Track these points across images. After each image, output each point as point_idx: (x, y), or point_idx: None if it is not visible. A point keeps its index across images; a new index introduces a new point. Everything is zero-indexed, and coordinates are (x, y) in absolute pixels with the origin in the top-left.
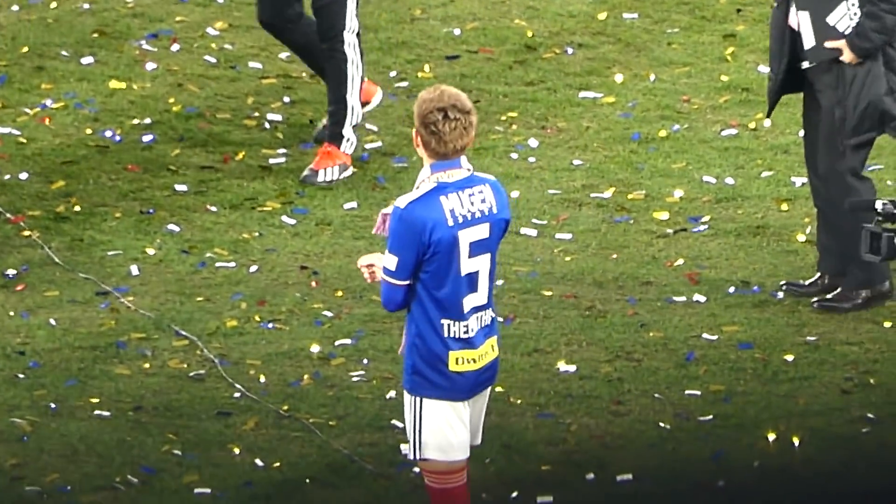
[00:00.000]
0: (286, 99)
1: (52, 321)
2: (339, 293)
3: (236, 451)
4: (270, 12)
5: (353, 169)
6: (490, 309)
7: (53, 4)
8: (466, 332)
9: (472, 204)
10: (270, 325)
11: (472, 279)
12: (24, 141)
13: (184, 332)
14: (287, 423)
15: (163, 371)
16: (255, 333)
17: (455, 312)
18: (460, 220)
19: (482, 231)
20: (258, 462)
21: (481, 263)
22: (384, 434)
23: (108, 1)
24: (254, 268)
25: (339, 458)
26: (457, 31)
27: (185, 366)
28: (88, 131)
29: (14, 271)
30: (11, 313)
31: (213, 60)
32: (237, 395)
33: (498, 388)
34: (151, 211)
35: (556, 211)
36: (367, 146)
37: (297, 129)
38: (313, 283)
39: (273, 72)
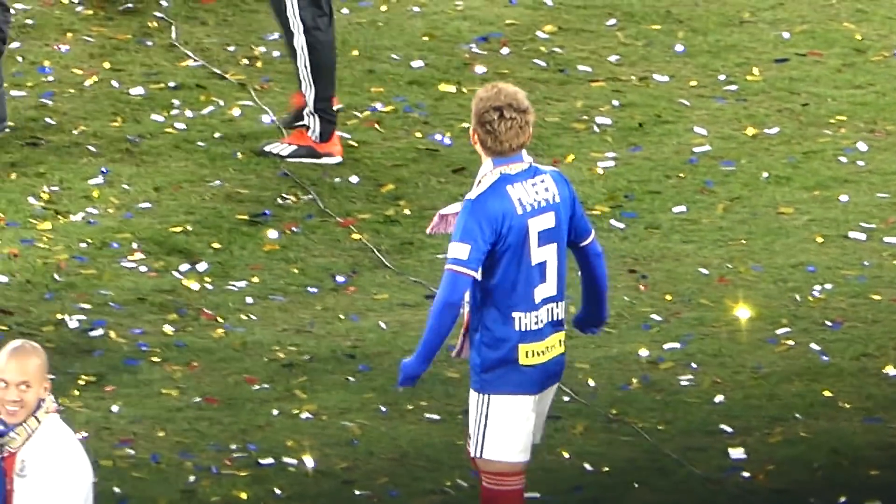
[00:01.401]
0: (615, 102)
1: (382, 324)
2: (668, 297)
3: (565, 455)
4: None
5: (328, 160)
6: (562, 302)
7: (384, 7)
8: (537, 324)
9: (536, 193)
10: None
11: (542, 269)
12: (355, 144)
13: None
14: (616, 427)
15: None
16: (583, 337)
17: (527, 304)
18: (528, 209)
19: (549, 220)
20: (587, 466)
21: (549, 253)
22: (713, 438)
23: (437, 4)
24: None
25: (668, 462)
26: (786, 35)
27: None
28: (418, 135)
29: (344, 275)
30: (342, 316)
31: (543, 64)
32: (566, 398)
33: (826, 393)
34: None
35: (884, 214)
36: (696, 150)
37: (626, 133)
38: (642, 287)
39: (602, 75)
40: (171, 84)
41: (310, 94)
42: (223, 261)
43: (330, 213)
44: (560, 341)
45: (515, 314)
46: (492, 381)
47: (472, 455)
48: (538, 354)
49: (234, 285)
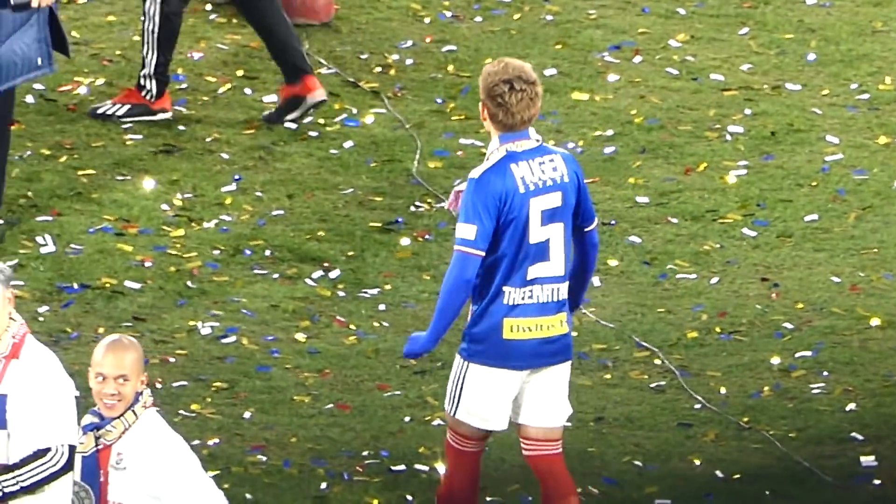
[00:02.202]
0: (747, 111)
1: None
2: (800, 305)
3: (697, 462)
4: None
5: (162, 115)
6: (565, 283)
7: (517, 16)
8: (525, 300)
9: (542, 172)
10: (731, 337)
11: (543, 248)
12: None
13: (645, 344)
14: (747, 434)
15: (624, 382)
16: (715, 345)
17: (518, 280)
18: (532, 187)
19: (554, 199)
20: (718, 473)
21: (553, 232)
22: (844, 446)
23: (570, 13)
24: (714, 279)
25: (800, 469)
26: None
27: (646, 377)
28: (551, 142)
29: None
30: None
31: (675, 72)
32: (697, 406)
33: None
34: (613, 222)
35: None
36: (828, 158)
37: (758, 142)
38: (774, 295)
39: (735, 84)
40: None
41: (151, 58)
42: (356, 268)
43: None
44: (561, 322)
45: (506, 288)
46: (476, 351)
47: (446, 411)
48: (525, 330)
49: (366, 292)
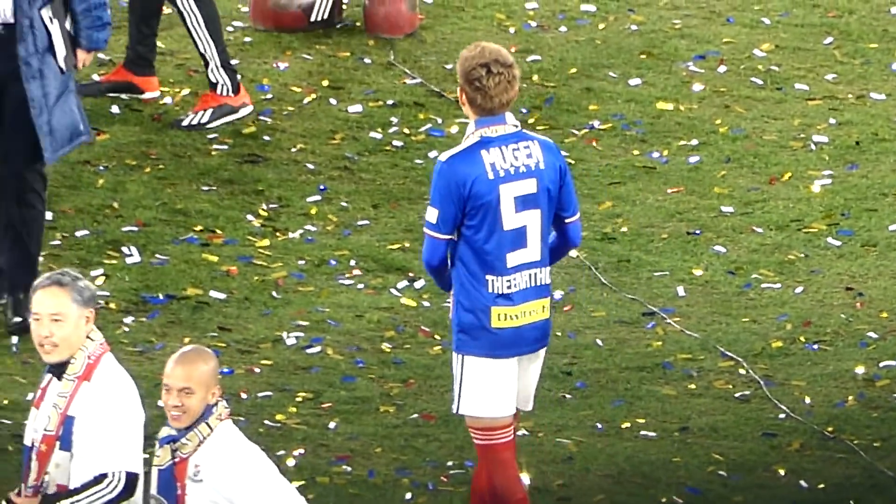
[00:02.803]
0: (832, 121)
1: (599, 341)
2: (885, 314)
3: (781, 472)
4: None
5: (245, 110)
6: (545, 268)
7: (602, 25)
8: (509, 288)
9: (515, 158)
10: (815, 347)
11: (520, 234)
12: (573, 162)
13: (729, 353)
14: (832, 444)
15: (708, 392)
16: (799, 354)
17: (498, 268)
18: (502, 174)
19: (528, 186)
20: (802, 483)
21: (529, 219)
22: None
23: (655, 22)
24: (799, 289)
25: (884, 479)
26: None
27: (731, 386)
28: (636, 152)
29: (562, 292)
30: (559, 333)
31: (760, 82)
32: (782, 416)
33: None
34: (698, 232)
35: None
36: None
37: (842, 151)
38: (858, 305)
39: (819, 93)
40: (390, 102)
41: (211, 50)
42: None
43: None
44: (543, 307)
45: (488, 277)
46: (466, 342)
47: (454, 411)
48: (511, 318)
49: (450, 302)
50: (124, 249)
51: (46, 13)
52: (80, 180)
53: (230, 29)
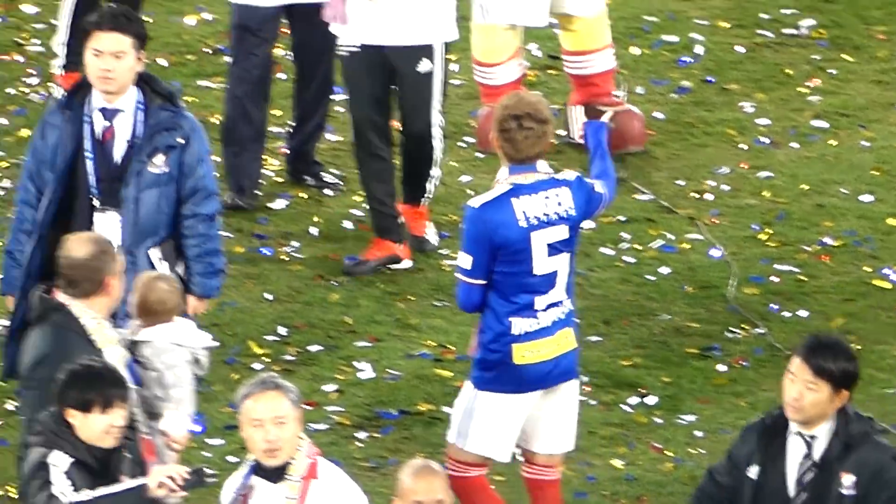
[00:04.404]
0: None
1: None
2: None
3: None
4: None
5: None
6: (568, 301)
7: (833, 141)
8: (534, 327)
9: (546, 206)
10: None
11: (550, 279)
12: (804, 278)
13: None
14: None
15: None
16: None
17: (527, 311)
18: (534, 221)
19: (559, 232)
20: None
21: (559, 263)
22: None
23: (886, 138)
24: None
25: None
26: None
27: None
28: (867, 269)
29: None
30: None
31: None
32: None
33: None
34: None
35: None
36: None
37: None
38: None
39: None
40: (621, 218)
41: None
42: (672, 394)
43: (779, 347)
44: (567, 337)
45: (513, 319)
46: (488, 380)
47: (449, 440)
48: (535, 353)
49: (682, 419)
50: (357, 364)
51: (156, 253)
52: (313, 296)
53: (462, 144)
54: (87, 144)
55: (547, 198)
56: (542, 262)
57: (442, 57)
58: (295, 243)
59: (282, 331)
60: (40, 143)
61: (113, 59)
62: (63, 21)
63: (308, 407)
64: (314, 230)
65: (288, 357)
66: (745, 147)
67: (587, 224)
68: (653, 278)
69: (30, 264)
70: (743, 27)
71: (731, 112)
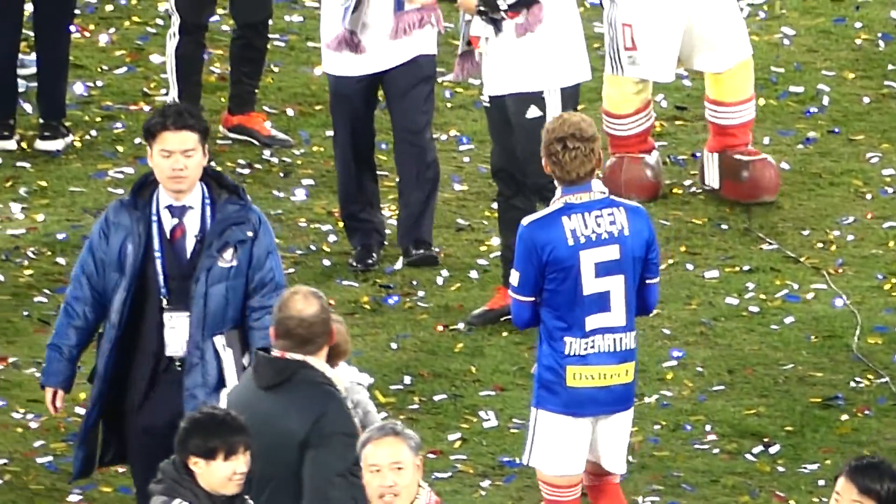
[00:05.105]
0: None
1: None
2: None
3: None
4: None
5: None
6: (630, 332)
7: None
8: (587, 349)
9: (598, 225)
10: None
11: (602, 299)
12: None
13: None
14: None
15: None
16: None
17: (577, 331)
18: (582, 240)
19: (610, 252)
20: None
21: (612, 284)
22: None
23: None
24: None
25: None
26: None
27: None
28: None
29: None
30: None
31: None
32: None
33: None
34: None
35: None
36: None
37: None
38: None
39: None
40: (746, 267)
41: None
42: (795, 444)
43: None
44: (627, 371)
45: (567, 338)
46: (544, 397)
47: (524, 462)
48: (588, 378)
49: (805, 468)
50: (482, 413)
51: (220, 340)
52: (438, 345)
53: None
54: (156, 244)
55: (599, 216)
56: (590, 282)
57: (558, 103)
58: (420, 292)
59: (406, 380)
60: (100, 240)
61: (183, 157)
62: (171, 77)
63: (432, 455)
64: (439, 279)
65: (413, 406)
66: (871, 197)
67: (710, 273)
68: (777, 328)
69: (106, 367)
70: (869, 78)
71: (856, 162)
